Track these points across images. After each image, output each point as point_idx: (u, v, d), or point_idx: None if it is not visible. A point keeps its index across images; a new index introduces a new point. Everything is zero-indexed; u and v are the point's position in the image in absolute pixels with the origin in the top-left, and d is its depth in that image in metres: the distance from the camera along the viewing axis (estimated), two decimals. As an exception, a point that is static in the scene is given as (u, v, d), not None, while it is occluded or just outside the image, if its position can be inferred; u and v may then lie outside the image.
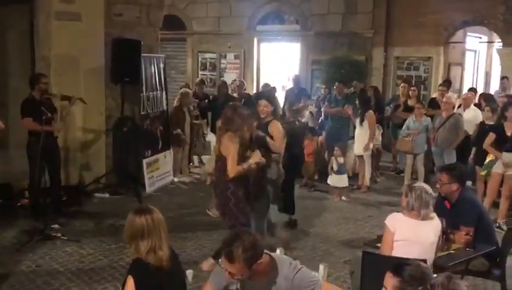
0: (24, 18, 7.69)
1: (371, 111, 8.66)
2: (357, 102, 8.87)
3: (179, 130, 8.99)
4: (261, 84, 14.08)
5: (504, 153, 6.72)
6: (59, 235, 6.12)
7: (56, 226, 6.40)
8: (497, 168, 6.84)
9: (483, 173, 7.15)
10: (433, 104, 9.61)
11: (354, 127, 8.94)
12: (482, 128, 7.49)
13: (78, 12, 7.78)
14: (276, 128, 5.69)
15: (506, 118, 6.86)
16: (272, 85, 11.73)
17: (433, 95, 10.74)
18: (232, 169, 4.83)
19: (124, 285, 3.03)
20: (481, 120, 7.90)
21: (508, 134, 6.76)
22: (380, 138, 9.44)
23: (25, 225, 6.47)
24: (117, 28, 8.28)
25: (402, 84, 10.25)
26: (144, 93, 8.46)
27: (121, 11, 8.37)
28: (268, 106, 5.72)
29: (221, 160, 4.98)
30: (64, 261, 5.54)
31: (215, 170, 5.15)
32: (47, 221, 6.27)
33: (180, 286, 3.21)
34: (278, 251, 3.37)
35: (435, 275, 2.70)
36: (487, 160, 7.03)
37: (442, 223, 4.15)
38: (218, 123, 5.58)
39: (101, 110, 8.28)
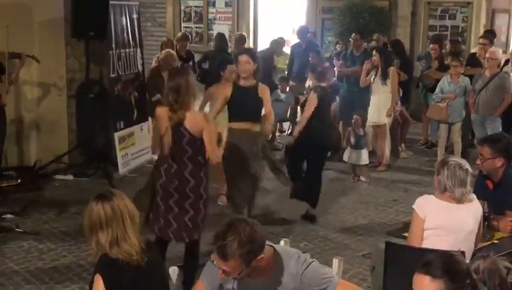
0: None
1: (392, 67, 8.69)
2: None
3: (159, 96, 8.95)
4: (260, 39, 14.06)
5: None
6: (13, 227, 6.16)
7: (9, 215, 6.44)
8: None
9: None
10: (473, 61, 9.60)
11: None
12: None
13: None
14: (268, 96, 6.00)
15: None
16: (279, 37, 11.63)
17: (473, 50, 10.71)
18: (215, 152, 4.81)
19: (91, 285, 3.10)
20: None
21: None
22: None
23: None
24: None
25: (431, 46, 10.23)
26: (114, 51, 8.43)
27: None
28: (250, 62, 5.85)
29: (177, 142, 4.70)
30: (20, 258, 5.58)
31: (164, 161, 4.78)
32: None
33: (159, 283, 3.27)
34: (282, 242, 3.40)
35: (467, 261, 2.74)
36: None
37: (483, 207, 4.18)
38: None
39: (60, 72, 8.27)
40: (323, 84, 6.98)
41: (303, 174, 6.86)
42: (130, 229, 3.13)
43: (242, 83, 5.93)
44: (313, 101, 6.73)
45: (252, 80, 5.93)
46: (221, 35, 11.02)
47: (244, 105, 5.92)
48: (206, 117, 4.84)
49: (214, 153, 4.77)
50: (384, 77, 8.59)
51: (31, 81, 8.07)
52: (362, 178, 8.30)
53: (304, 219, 6.75)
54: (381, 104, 8.66)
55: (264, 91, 5.98)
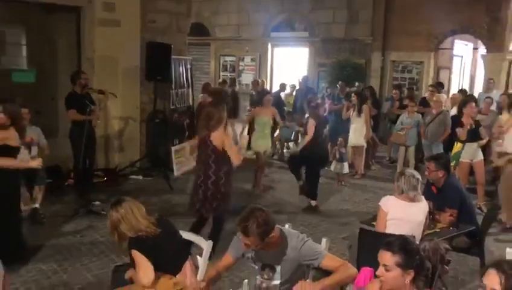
0: (72, 24, 7.78)
1: (365, 105, 8.63)
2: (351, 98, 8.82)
3: None
4: (274, 83, 14.15)
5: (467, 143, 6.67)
6: (100, 210, 6.23)
7: (97, 202, 6.50)
8: (465, 158, 6.75)
9: (452, 164, 6.70)
10: (424, 102, 9.55)
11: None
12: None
13: (118, 20, 7.88)
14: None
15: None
16: (288, 83, 11.69)
17: (424, 95, 10.66)
18: (234, 156, 4.77)
19: (132, 260, 3.16)
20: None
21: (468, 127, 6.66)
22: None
23: (71, 201, 6.58)
24: (151, 33, 8.34)
25: (394, 91, 10.29)
26: (173, 90, 8.54)
27: (155, 19, 8.44)
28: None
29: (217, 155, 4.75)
30: (104, 232, 5.60)
31: (211, 168, 4.78)
32: (90, 198, 6.42)
33: (175, 246, 3.28)
34: (286, 226, 3.41)
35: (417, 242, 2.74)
36: (454, 151, 6.88)
37: (429, 205, 4.15)
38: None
39: (136, 103, 8.38)
40: (318, 113, 7.01)
41: (302, 175, 6.85)
42: (138, 215, 3.18)
43: None
44: (312, 125, 6.70)
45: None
46: (232, 80, 11.52)
47: None
48: (225, 134, 4.83)
49: (233, 157, 4.78)
50: (360, 111, 8.55)
51: (115, 110, 8.17)
52: (344, 183, 8.24)
53: (307, 210, 6.70)
54: (357, 131, 8.61)
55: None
